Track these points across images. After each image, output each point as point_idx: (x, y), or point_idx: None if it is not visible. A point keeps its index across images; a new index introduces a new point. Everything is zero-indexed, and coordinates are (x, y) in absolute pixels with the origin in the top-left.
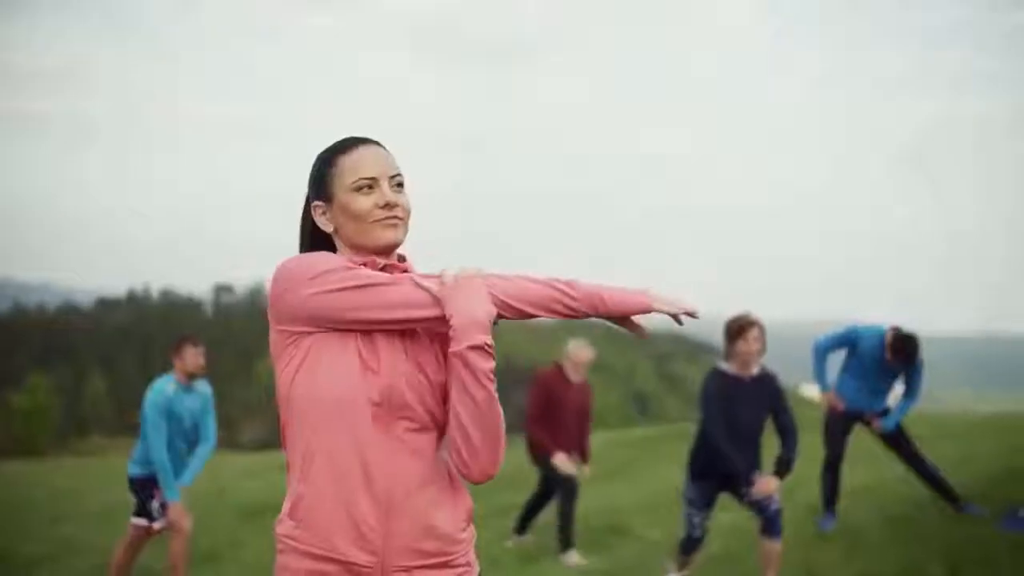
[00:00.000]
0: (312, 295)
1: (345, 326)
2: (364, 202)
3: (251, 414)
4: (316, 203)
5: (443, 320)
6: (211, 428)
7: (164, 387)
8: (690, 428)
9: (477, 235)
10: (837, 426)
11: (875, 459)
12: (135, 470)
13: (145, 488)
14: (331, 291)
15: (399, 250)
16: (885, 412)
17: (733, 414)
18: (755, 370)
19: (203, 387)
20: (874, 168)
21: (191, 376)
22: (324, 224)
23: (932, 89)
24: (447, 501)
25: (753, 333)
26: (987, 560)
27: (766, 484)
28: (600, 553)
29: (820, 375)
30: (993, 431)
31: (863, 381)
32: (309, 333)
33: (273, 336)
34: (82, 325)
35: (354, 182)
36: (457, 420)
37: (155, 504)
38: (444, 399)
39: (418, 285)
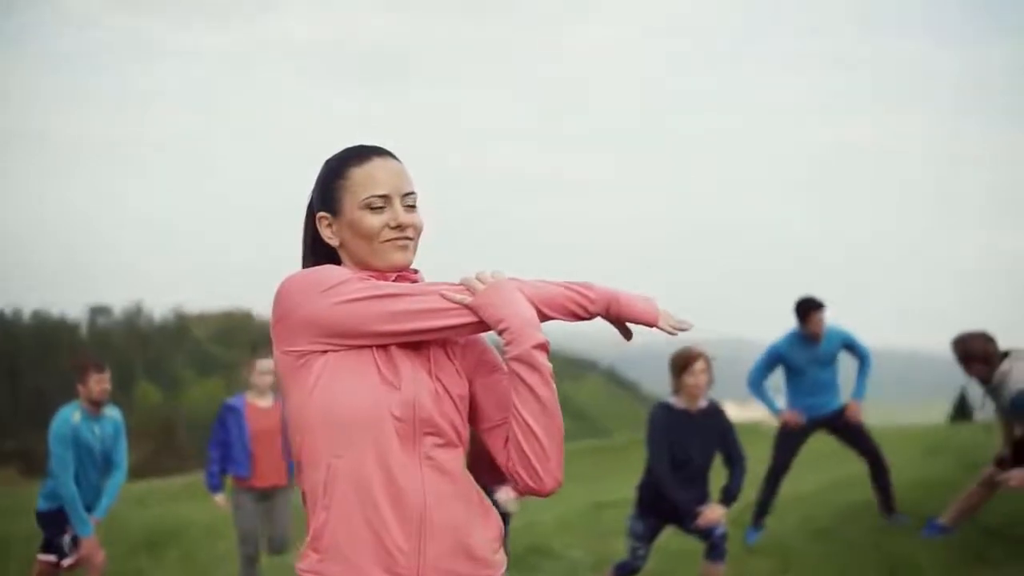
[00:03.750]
0: (334, 306)
1: (369, 339)
2: (375, 221)
3: (131, 440)
4: (322, 214)
5: (472, 327)
6: (123, 456)
7: (69, 416)
8: (584, 446)
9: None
10: (791, 437)
11: (798, 469)
12: (43, 504)
13: (55, 523)
14: (354, 301)
15: None
16: (842, 409)
17: (681, 449)
18: (703, 403)
19: (113, 413)
20: (777, 191)
21: (97, 403)
22: (329, 237)
23: (831, 115)
24: (479, 521)
25: (699, 365)
26: (917, 569)
27: (712, 512)
28: (525, 574)
29: (767, 402)
30: (905, 442)
31: (809, 385)
32: (322, 352)
33: (281, 359)
34: None
35: (365, 199)
36: (525, 427)
37: (66, 539)
38: (465, 414)
39: (442, 293)
